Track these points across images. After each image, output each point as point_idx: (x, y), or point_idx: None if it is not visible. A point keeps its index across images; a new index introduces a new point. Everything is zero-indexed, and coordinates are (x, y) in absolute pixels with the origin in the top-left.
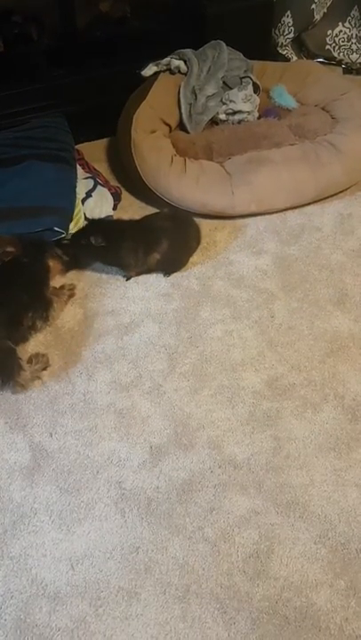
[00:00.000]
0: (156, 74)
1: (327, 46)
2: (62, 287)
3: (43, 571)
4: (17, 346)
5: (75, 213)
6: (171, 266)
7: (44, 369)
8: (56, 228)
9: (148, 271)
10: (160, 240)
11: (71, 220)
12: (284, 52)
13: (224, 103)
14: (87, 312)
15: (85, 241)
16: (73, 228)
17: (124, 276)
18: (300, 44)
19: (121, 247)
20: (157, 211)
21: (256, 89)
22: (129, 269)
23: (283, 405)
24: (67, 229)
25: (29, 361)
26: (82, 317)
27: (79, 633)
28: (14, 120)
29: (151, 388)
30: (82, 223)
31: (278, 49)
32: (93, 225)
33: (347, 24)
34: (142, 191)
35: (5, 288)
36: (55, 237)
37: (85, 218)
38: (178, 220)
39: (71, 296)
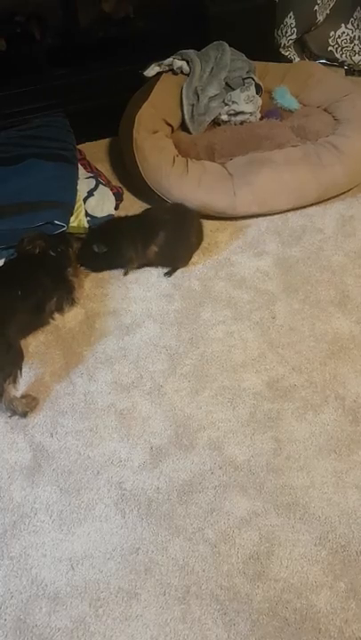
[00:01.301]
0: (158, 74)
1: (330, 47)
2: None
3: (43, 571)
4: (35, 331)
5: (75, 208)
6: (170, 260)
7: (24, 413)
8: (57, 222)
9: (149, 264)
10: (157, 232)
11: (72, 215)
12: (286, 53)
13: (226, 104)
14: (88, 312)
15: (90, 251)
16: (74, 221)
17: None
18: (302, 46)
19: (122, 244)
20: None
21: (258, 90)
22: (131, 264)
23: (283, 407)
24: (67, 223)
25: (22, 397)
26: (83, 318)
27: (79, 633)
28: (16, 119)
29: (152, 388)
30: (82, 218)
31: (281, 50)
32: (93, 233)
33: (350, 25)
34: (144, 191)
35: (30, 277)
36: (56, 231)
37: (87, 214)
38: (177, 214)
39: (87, 274)
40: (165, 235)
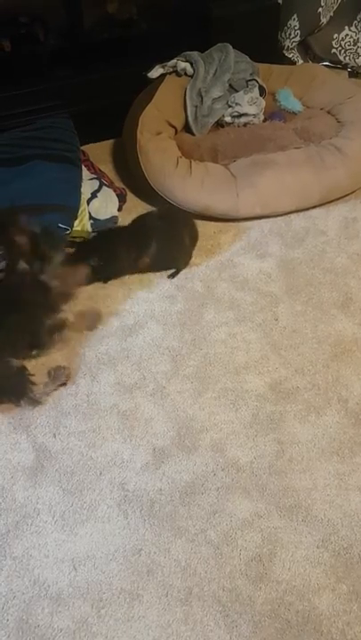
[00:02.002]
0: (162, 76)
1: (333, 50)
2: (82, 315)
3: (45, 571)
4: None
5: (79, 212)
6: (165, 265)
7: (63, 384)
8: (60, 225)
9: (140, 272)
10: (149, 243)
11: (76, 218)
12: (290, 56)
13: (230, 106)
14: None
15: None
16: (77, 225)
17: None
18: (306, 48)
19: (118, 256)
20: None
21: (262, 92)
22: (124, 273)
23: (286, 409)
24: (71, 226)
25: (49, 374)
26: None
27: (81, 634)
28: (20, 120)
29: (155, 389)
30: (86, 222)
31: (284, 52)
32: (86, 247)
33: (353, 28)
34: (147, 193)
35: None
36: (59, 234)
37: (90, 216)
38: (168, 219)
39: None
40: (157, 244)
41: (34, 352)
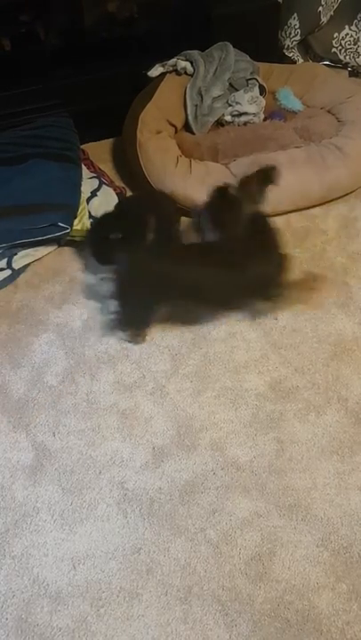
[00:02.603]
0: (162, 75)
1: (333, 49)
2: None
3: (44, 570)
4: None
5: (79, 211)
6: None
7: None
8: (60, 224)
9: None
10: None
11: (75, 217)
12: (290, 55)
13: (230, 105)
14: (90, 312)
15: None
16: (77, 224)
17: None
18: (306, 47)
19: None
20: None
21: (262, 91)
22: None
23: (286, 408)
24: (71, 225)
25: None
26: (86, 317)
27: (80, 633)
28: (20, 119)
29: (154, 388)
30: (86, 220)
31: (285, 51)
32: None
33: (353, 27)
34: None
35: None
36: (60, 233)
37: (90, 216)
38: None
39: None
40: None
41: (266, 299)
